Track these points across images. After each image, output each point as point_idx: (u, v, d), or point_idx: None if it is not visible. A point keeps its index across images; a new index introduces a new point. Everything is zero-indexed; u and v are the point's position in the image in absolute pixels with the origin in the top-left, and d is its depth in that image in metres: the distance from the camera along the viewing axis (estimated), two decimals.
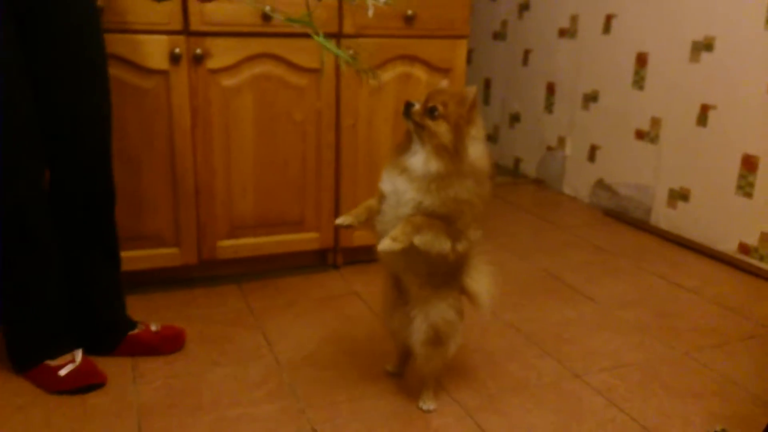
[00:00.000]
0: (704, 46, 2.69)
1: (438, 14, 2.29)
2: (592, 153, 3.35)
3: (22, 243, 1.61)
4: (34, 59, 1.53)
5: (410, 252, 1.40)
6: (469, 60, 4.34)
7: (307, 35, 2.13)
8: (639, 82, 3.02)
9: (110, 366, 1.74)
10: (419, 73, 2.33)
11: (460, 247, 1.44)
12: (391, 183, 1.44)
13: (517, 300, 2.25)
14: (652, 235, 2.93)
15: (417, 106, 1.42)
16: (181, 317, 2.03)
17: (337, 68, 2.20)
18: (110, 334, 1.81)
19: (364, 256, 2.48)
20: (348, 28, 2.17)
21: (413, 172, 1.40)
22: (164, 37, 1.96)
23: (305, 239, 2.34)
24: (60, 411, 1.57)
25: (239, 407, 1.61)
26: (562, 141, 3.55)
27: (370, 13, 1.42)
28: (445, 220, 1.40)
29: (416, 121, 1.41)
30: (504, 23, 3.92)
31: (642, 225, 3.02)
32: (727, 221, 2.66)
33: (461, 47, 2.37)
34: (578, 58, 3.37)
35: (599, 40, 3.22)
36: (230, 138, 2.13)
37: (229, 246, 2.22)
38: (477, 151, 1.40)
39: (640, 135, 3.05)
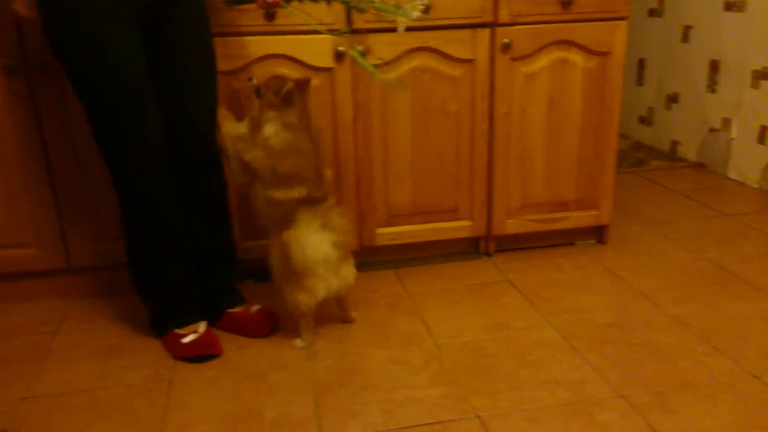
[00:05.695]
0: None
1: None
2: (763, 134, 3.10)
3: (148, 218, 1.75)
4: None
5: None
6: None
7: (465, 26, 2.17)
8: None
9: (285, 345, 1.89)
10: (576, 57, 2.27)
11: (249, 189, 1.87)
12: None
13: (682, 293, 2.15)
14: None
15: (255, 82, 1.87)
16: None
17: (492, 57, 2.20)
18: (213, 306, 1.93)
19: (517, 243, 2.49)
20: (503, 17, 2.16)
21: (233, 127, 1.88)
22: (329, 37, 2.06)
23: (459, 227, 2.37)
24: (246, 384, 1.73)
25: (405, 389, 1.68)
26: (727, 122, 3.31)
27: (400, 29, 1.65)
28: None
29: (252, 95, 1.86)
30: None
31: None
32: None
33: (621, 29, 2.28)
34: (747, 33, 3.11)
35: None
36: (388, 129, 2.21)
37: (387, 233, 2.31)
38: (269, 130, 1.80)
39: None
